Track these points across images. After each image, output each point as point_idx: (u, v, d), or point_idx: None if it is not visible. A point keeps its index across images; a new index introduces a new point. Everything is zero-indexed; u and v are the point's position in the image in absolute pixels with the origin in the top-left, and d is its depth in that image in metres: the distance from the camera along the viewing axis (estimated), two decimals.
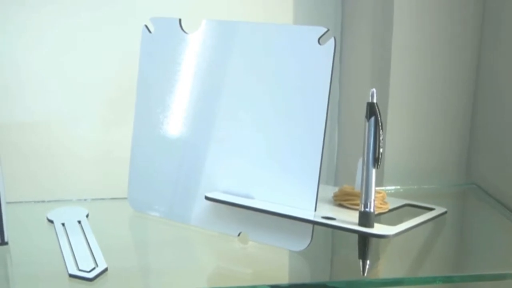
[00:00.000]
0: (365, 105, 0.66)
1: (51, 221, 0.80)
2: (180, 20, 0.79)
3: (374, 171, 0.66)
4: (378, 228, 0.66)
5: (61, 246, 0.73)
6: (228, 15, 0.80)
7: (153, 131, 0.81)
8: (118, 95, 0.90)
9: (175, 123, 0.79)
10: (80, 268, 0.67)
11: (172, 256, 0.74)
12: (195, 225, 0.78)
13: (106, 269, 0.68)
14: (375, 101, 0.66)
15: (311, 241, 0.70)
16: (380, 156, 0.65)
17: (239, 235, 0.75)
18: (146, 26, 0.80)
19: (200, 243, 0.78)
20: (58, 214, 0.81)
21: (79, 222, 0.79)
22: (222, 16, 0.77)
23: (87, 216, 0.81)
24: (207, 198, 0.74)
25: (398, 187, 0.91)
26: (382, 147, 0.65)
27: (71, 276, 0.66)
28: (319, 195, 0.70)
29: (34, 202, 0.87)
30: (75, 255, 0.70)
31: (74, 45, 0.89)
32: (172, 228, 0.80)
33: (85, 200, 0.87)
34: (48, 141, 0.90)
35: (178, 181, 0.79)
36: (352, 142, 0.99)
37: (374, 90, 0.67)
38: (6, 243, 0.73)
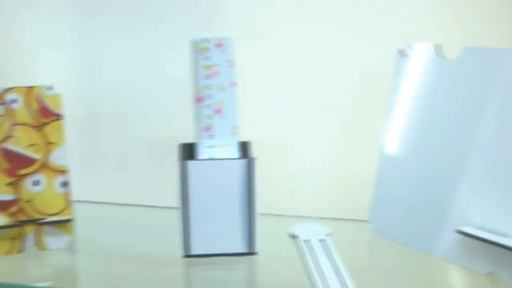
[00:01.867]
0: None
1: (293, 236, 0.83)
2: (437, 45, 0.77)
3: None
4: None
5: (306, 262, 0.75)
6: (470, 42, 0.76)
7: (401, 157, 0.80)
8: (360, 118, 0.91)
9: (425, 150, 0.77)
10: None
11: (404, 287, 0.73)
12: (440, 257, 0.75)
13: None
14: None
15: None
16: None
17: (488, 274, 0.70)
18: (401, 50, 0.80)
19: (445, 276, 0.75)
20: (300, 230, 0.84)
21: (322, 240, 0.81)
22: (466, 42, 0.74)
23: (329, 235, 0.83)
24: (458, 232, 0.71)
25: None
26: None
27: None
28: None
29: (274, 215, 0.90)
30: (322, 274, 0.72)
31: (320, 66, 0.91)
32: (415, 258, 0.78)
33: (325, 218, 0.89)
34: (291, 158, 0.93)
35: (424, 211, 0.77)
36: None
37: None
38: (256, 253, 0.77)
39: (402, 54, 0.80)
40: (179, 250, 0.78)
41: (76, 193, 0.82)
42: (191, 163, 0.75)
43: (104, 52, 0.96)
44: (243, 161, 0.75)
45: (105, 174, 0.99)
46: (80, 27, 0.96)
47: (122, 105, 0.97)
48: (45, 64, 0.98)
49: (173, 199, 0.91)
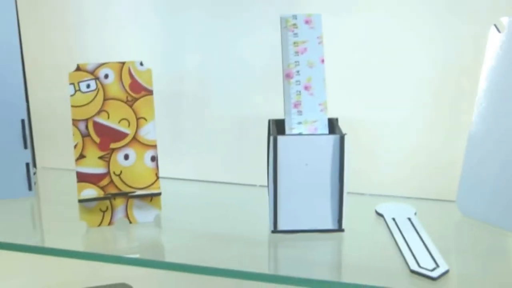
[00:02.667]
0: None
1: (380, 215, 0.82)
2: None
3: None
4: None
5: (396, 240, 0.74)
6: None
7: (490, 136, 0.78)
8: (445, 97, 0.88)
9: None
10: (422, 265, 0.68)
11: (499, 267, 0.71)
12: None
13: (447, 271, 0.67)
14: None
15: None
16: None
17: None
18: (498, 25, 0.77)
19: None
20: (387, 208, 0.83)
21: (410, 219, 0.80)
22: None
23: (415, 214, 0.82)
24: None
25: None
26: None
27: (412, 272, 0.67)
28: None
29: (358, 194, 0.89)
30: (413, 251, 0.71)
31: (406, 44, 0.89)
32: (503, 238, 0.76)
33: (410, 198, 0.88)
34: (376, 137, 0.92)
35: None
36: None
37: None
38: (343, 230, 0.77)
39: (499, 29, 0.77)
40: (262, 227, 0.79)
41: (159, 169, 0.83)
42: (281, 138, 0.75)
43: (187, 30, 0.96)
44: (334, 137, 0.74)
45: (187, 151, 1.00)
46: (164, 6, 0.97)
47: (204, 83, 0.97)
48: (131, 42, 0.99)
49: (255, 177, 0.92)
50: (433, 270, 0.67)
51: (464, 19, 0.85)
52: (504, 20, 0.77)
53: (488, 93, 0.78)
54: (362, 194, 0.90)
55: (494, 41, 0.78)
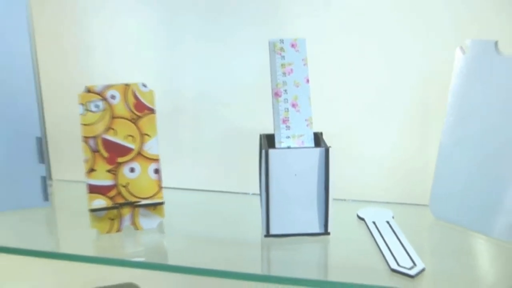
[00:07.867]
0: None
1: (361, 218, 0.84)
2: (496, 42, 0.76)
3: None
4: None
5: (377, 242, 0.76)
6: None
7: (460, 146, 0.80)
8: (421, 111, 0.90)
9: (483, 138, 0.77)
10: (401, 264, 0.69)
11: (468, 265, 0.73)
12: (498, 239, 0.75)
13: (424, 269, 0.69)
14: None
15: None
16: None
17: None
18: (461, 47, 0.79)
19: (504, 258, 0.75)
20: (368, 213, 0.85)
21: (388, 222, 0.82)
22: None
23: (392, 217, 0.83)
24: None
25: None
26: None
27: (393, 270, 0.69)
28: None
29: (340, 200, 0.91)
30: (392, 252, 0.73)
31: (383, 62, 0.90)
32: (471, 238, 0.78)
33: (388, 203, 0.89)
34: (356, 148, 0.93)
35: (483, 194, 0.77)
36: None
37: None
38: (329, 233, 0.78)
39: (463, 50, 0.80)
40: (256, 231, 0.80)
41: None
42: (272, 152, 0.76)
43: (185, 53, 0.97)
44: (320, 150, 0.76)
45: (186, 163, 1.01)
46: (164, 32, 0.98)
47: (202, 101, 0.98)
48: (133, 64, 1.00)
49: (249, 186, 0.94)
50: (411, 268, 0.69)
51: (439, 38, 0.87)
52: (468, 42, 0.79)
53: (454, 108, 0.81)
54: (344, 200, 0.92)
55: (459, 61, 0.80)
